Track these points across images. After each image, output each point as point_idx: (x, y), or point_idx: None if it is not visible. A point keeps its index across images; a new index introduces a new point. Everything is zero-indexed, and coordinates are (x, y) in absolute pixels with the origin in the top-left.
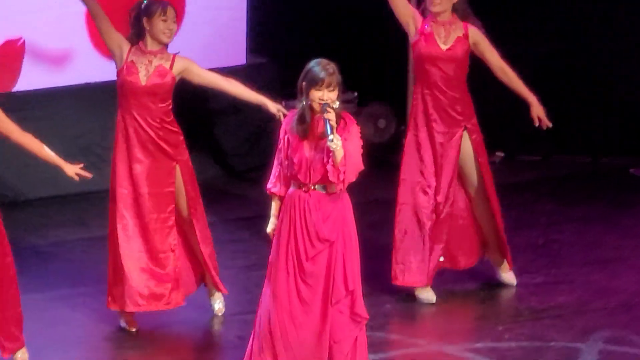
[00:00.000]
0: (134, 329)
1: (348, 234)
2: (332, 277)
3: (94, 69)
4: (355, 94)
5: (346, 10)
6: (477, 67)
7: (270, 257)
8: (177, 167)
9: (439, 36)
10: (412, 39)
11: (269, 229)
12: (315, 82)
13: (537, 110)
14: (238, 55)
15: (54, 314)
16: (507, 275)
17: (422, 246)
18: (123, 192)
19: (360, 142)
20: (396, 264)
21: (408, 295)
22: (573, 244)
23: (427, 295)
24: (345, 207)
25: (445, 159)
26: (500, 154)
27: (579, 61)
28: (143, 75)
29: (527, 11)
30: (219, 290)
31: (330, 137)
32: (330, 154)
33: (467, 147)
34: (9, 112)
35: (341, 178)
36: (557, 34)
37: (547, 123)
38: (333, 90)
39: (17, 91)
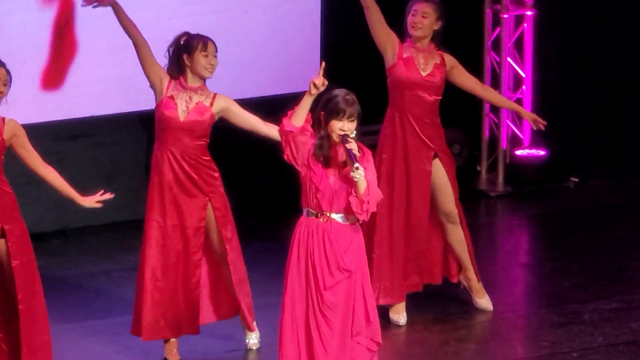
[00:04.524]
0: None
1: (365, 264)
2: (352, 308)
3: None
4: None
5: None
6: (551, 93)
7: (285, 288)
8: (210, 204)
9: (418, 62)
10: (388, 63)
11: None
12: (336, 113)
13: (530, 116)
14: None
15: (80, 345)
16: (483, 301)
17: None
18: (153, 224)
19: (375, 172)
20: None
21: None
22: None
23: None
24: (361, 237)
25: (416, 184)
26: (574, 179)
27: None
28: (182, 111)
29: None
30: (249, 328)
31: (356, 165)
32: (353, 185)
33: (439, 173)
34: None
35: (365, 208)
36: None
37: (543, 122)
38: (353, 121)
39: (68, 119)
